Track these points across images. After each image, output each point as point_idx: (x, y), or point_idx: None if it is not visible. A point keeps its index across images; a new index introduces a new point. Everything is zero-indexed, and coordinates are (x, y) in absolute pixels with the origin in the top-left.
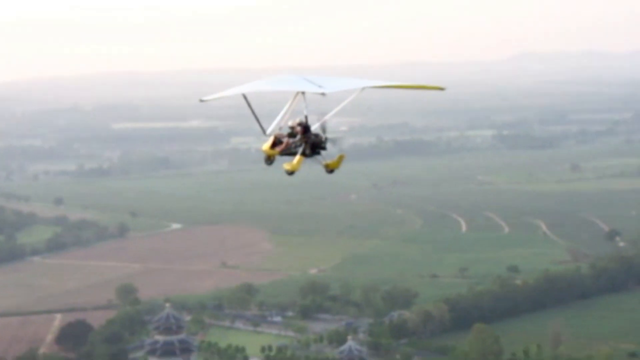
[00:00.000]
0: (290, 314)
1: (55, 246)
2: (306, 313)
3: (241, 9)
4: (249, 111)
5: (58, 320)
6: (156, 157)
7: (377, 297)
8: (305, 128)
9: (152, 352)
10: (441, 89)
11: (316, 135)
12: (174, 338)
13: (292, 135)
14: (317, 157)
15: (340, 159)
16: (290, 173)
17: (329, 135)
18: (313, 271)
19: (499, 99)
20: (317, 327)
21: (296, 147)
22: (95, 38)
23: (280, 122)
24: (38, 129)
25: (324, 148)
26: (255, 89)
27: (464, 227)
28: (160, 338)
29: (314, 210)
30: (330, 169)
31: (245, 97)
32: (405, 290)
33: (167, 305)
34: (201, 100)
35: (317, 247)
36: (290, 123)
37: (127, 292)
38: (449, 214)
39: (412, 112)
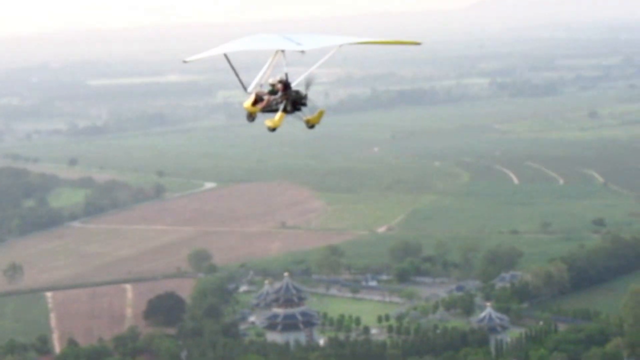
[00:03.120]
0: (384, 277)
1: (93, 210)
2: (403, 276)
3: None
4: (228, 66)
5: (130, 292)
6: (148, 114)
7: (478, 258)
8: (286, 85)
9: (271, 326)
10: (417, 43)
11: (297, 92)
12: (295, 311)
13: (273, 92)
14: (298, 113)
15: (321, 114)
16: (272, 129)
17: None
18: (381, 229)
19: (476, 47)
20: (421, 291)
21: (277, 104)
22: None
23: (260, 80)
24: (11, 87)
25: (304, 104)
26: (235, 48)
27: (514, 179)
28: (280, 311)
29: (346, 165)
30: (311, 124)
31: (226, 56)
32: (510, 249)
33: (286, 274)
34: (184, 61)
35: (370, 203)
36: (270, 80)
37: (200, 258)
38: (491, 166)
39: (391, 61)
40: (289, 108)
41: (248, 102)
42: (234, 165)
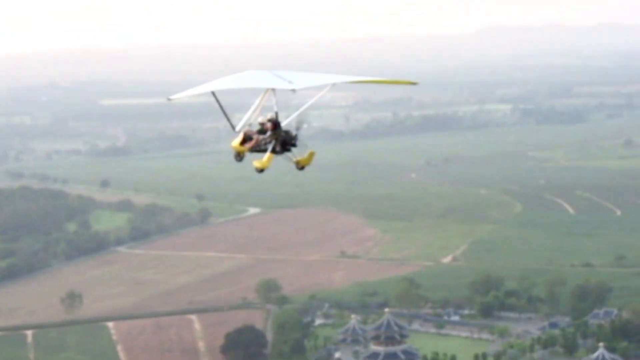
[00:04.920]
0: (466, 312)
1: (138, 235)
2: (487, 311)
3: None
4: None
5: (197, 323)
6: (168, 135)
7: (564, 293)
8: (275, 124)
9: None
10: (414, 83)
11: (286, 132)
12: (397, 349)
13: (262, 131)
14: (288, 154)
15: (311, 155)
16: (260, 170)
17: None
18: (446, 260)
19: (488, 73)
20: (510, 327)
21: (266, 143)
22: (60, 14)
23: (250, 119)
24: (21, 106)
25: (294, 145)
26: (224, 86)
27: (569, 209)
28: (380, 349)
29: (387, 192)
30: (301, 166)
31: (214, 94)
32: (599, 284)
33: (386, 310)
34: (169, 99)
35: (426, 232)
36: (260, 119)
37: (269, 289)
38: (540, 195)
39: (407, 85)
40: (278, 148)
41: (236, 142)
42: (272, 190)
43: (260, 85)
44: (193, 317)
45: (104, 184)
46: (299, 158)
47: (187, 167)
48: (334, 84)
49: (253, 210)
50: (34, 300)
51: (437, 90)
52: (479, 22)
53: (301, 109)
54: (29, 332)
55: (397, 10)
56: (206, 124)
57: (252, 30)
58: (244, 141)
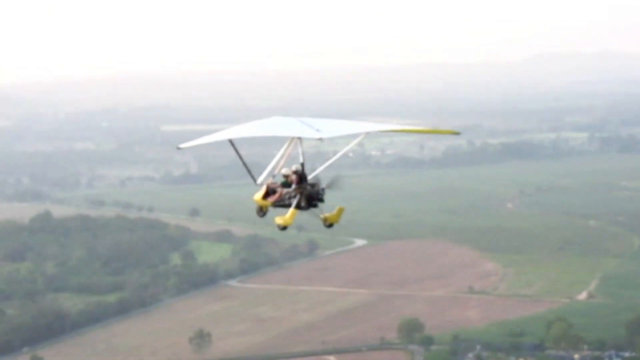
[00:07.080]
0: (626, 354)
1: (248, 267)
2: None
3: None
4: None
5: None
6: (241, 162)
7: None
8: (301, 177)
9: None
10: (456, 133)
11: (312, 186)
12: None
13: (286, 184)
14: (314, 209)
15: (340, 212)
16: (283, 228)
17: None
18: (581, 297)
19: (551, 100)
20: None
21: (290, 198)
22: (106, 39)
23: (273, 170)
24: (82, 132)
25: (321, 200)
26: (244, 134)
27: None
28: None
29: (491, 222)
30: (329, 224)
31: (232, 142)
32: None
33: (576, 356)
34: (178, 148)
35: (549, 267)
36: (284, 171)
37: (411, 328)
38: None
39: (471, 112)
40: (303, 204)
41: (258, 195)
42: (370, 220)
43: (285, 134)
44: (332, 358)
45: (194, 212)
46: (326, 215)
47: None
48: (367, 133)
49: (359, 242)
50: (154, 338)
51: (504, 117)
52: (527, 50)
53: (330, 161)
54: None
55: (446, 39)
56: (276, 151)
57: (310, 57)
58: (266, 194)
